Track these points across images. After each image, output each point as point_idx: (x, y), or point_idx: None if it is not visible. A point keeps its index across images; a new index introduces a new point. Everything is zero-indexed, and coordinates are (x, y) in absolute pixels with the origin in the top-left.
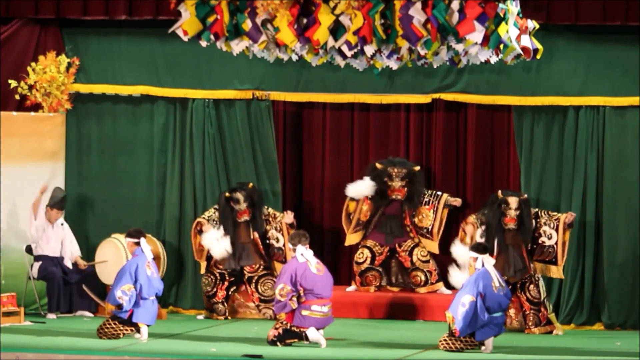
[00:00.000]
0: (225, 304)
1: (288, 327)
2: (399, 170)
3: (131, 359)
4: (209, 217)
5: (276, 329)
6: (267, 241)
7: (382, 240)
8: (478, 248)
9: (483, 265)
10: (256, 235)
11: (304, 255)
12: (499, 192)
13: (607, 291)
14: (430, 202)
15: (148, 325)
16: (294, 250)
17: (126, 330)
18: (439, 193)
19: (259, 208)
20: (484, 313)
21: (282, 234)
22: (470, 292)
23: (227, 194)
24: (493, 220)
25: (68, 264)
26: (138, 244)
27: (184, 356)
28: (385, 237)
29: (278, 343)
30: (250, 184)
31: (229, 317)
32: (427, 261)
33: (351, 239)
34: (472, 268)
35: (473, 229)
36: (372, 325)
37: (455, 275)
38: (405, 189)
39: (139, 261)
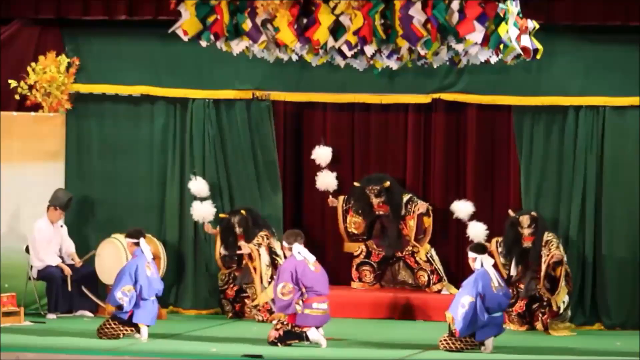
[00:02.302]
0: (233, 304)
1: (289, 328)
2: (373, 187)
3: (131, 359)
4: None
5: (277, 329)
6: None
7: (383, 249)
8: (477, 248)
9: (482, 265)
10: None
11: (301, 254)
12: (510, 211)
13: (607, 291)
14: (411, 213)
15: (148, 326)
16: (290, 249)
17: (126, 330)
18: (417, 202)
19: (253, 233)
20: (484, 313)
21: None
22: (470, 292)
23: (222, 215)
24: (509, 242)
25: (67, 259)
26: (138, 244)
27: (184, 356)
28: (385, 249)
29: (279, 344)
30: (243, 211)
31: (232, 317)
32: (428, 261)
33: (349, 247)
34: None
35: (495, 256)
36: (372, 325)
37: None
38: (386, 204)
39: (139, 262)
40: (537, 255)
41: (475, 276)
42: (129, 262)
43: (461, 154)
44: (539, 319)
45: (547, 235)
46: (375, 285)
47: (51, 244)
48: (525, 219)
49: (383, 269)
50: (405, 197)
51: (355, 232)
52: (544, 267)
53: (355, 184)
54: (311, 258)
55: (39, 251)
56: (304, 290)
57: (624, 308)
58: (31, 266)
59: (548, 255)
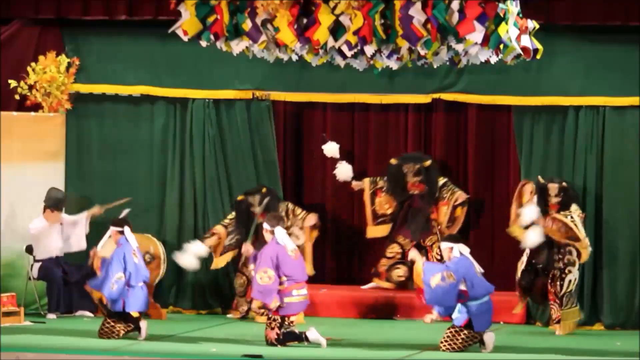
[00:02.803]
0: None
1: (289, 329)
2: (411, 166)
3: (131, 359)
4: (229, 220)
5: (272, 328)
6: None
7: (409, 235)
8: (451, 238)
9: (461, 254)
10: None
11: (282, 239)
12: (539, 177)
13: (607, 291)
14: (446, 199)
15: (140, 313)
16: (272, 232)
17: (124, 327)
18: (455, 189)
19: (274, 210)
20: (455, 298)
21: (303, 233)
22: (454, 272)
23: (240, 197)
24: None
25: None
26: (122, 232)
27: (184, 356)
28: (410, 233)
29: (278, 345)
30: (264, 189)
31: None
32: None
33: (372, 231)
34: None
35: (530, 194)
36: (372, 325)
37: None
38: (422, 183)
39: (126, 250)
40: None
41: (454, 266)
42: (116, 250)
43: (461, 154)
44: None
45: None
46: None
47: (52, 242)
48: (553, 187)
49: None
50: (441, 181)
51: (386, 212)
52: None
53: (392, 161)
54: (290, 245)
55: (39, 244)
56: (284, 279)
57: (624, 308)
58: (31, 266)
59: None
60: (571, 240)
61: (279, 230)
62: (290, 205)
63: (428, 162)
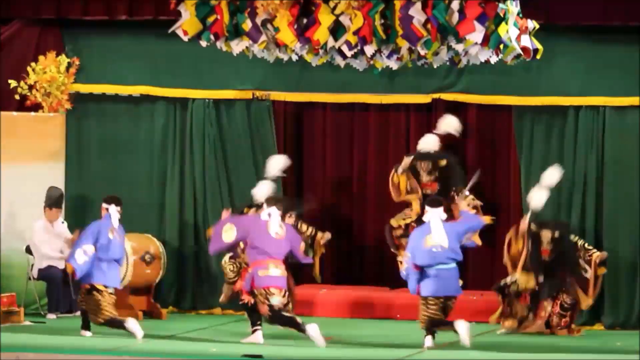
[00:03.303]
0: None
1: (291, 315)
2: (425, 164)
3: (131, 359)
4: None
5: (262, 303)
6: None
7: None
8: (430, 202)
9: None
10: None
11: (269, 216)
12: (532, 224)
13: (607, 291)
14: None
15: (106, 287)
16: (264, 208)
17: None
18: (467, 193)
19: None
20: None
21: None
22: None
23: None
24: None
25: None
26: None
27: (184, 356)
28: None
29: (276, 323)
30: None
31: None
32: None
33: (404, 197)
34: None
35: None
36: (372, 325)
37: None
38: (436, 182)
39: (102, 224)
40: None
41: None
42: (93, 223)
43: (461, 154)
44: (554, 320)
45: (575, 239)
46: None
47: (51, 244)
48: (546, 235)
49: None
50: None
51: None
52: (593, 265)
53: (406, 158)
54: (275, 226)
55: (40, 252)
56: (244, 244)
57: (624, 308)
58: (31, 266)
59: (585, 253)
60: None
61: (271, 210)
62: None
63: (444, 162)
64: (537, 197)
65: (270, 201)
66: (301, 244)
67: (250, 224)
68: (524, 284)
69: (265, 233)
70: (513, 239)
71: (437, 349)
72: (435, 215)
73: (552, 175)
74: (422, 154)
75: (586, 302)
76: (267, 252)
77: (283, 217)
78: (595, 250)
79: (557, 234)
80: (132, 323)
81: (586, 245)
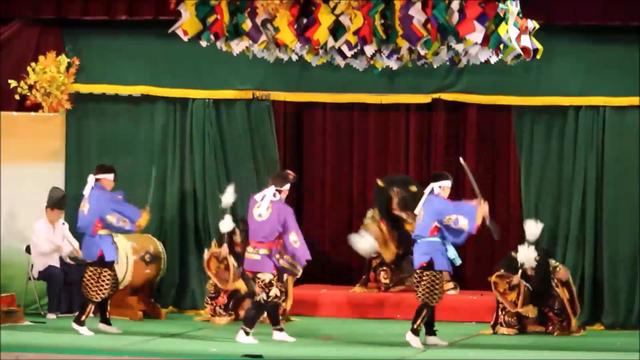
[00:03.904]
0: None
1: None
2: (398, 191)
3: (131, 359)
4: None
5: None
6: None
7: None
8: (432, 177)
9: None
10: None
11: (261, 198)
12: (512, 253)
13: (607, 291)
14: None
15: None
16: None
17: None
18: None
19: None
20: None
21: None
22: None
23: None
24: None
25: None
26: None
27: (184, 356)
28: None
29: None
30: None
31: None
32: None
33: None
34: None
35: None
36: (372, 325)
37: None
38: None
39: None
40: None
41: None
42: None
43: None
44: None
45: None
46: (394, 285)
47: (51, 244)
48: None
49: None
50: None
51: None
52: (559, 285)
53: (379, 182)
54: (264, 207)
55: (40, 252)
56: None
57: (624, 308)
58: (31, 266)
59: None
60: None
61: (267, 190)
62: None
63: (414, 189)
64: (530, 232)
65: (275, 179)
66: (290, 231)
67: (249, 204)
68: (529, 314)
69: (250, 214)
70: (506, 290)
71: (437, 349)
72: (428, 189)
73: (533, 229)
74: (396, 180)
75: (571, 320)
76: (250, 234)
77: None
78: (559, 266)
79: (539, 259)
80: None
81: (553, 263)
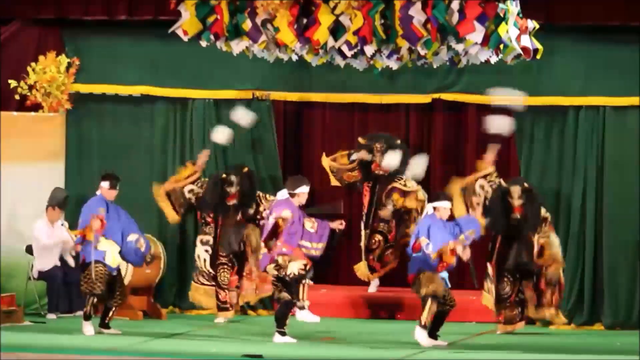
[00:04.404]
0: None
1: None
2: (381, 145)
3: (131, 359)
4: (190, 190)
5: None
6: (258, 222)
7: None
8: (435, 196)
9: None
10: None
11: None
12: (501, 180)
13: (607, 291)
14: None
15: None
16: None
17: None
18: (413, 184)
19: (251, 193)
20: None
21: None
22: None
23: (223, 176)
24: (496, 209)
25: (69, 260)
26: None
27: (184, 356)
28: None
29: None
30: (246, 168)
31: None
32: None
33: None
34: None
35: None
36: (372, 325)
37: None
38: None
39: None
40: (532, 223)
41: None
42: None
43: (461, 154)
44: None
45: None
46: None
47: (51, 245)
48: (516, 190)
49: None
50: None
51: (345, 180)
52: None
53: (361, 139)
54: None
55: (40, 253)
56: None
57: (624, 308)
58: (32, 266)
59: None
60: None
61: (280, 193)
62: (261, 193)
63: (398, 141)
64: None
65: (291, 182)
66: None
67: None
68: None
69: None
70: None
71: (437, 349)
72: (432, 206)
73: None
74: (378, 136)
75: (549, 313)
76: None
77: None
78: (553, 248)
79: (526, 185)
80: None
81: (549, 220)
